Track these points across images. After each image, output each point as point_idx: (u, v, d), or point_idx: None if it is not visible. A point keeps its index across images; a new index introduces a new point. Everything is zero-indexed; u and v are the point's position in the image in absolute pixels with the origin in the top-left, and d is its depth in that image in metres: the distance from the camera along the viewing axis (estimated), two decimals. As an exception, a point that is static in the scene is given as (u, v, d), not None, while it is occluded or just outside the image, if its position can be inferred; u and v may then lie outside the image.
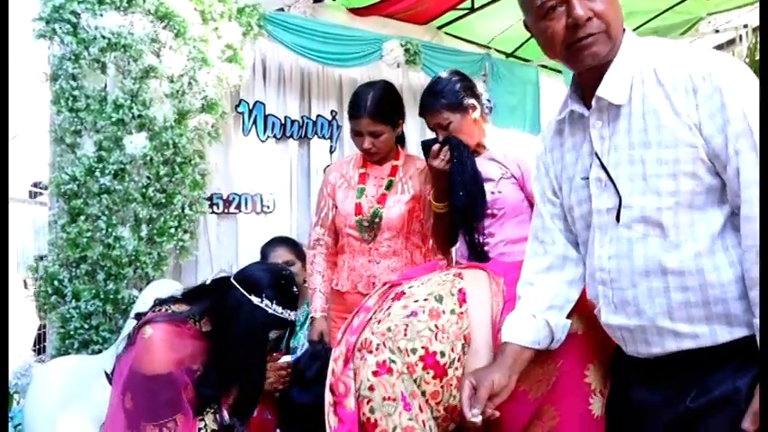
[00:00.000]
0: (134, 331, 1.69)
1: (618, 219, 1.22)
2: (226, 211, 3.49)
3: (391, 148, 2.27)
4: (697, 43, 4.73)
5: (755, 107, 1.11)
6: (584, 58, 1.20)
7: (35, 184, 4.40)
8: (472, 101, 2.05)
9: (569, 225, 1.40)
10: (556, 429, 1.40)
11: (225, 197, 3.48)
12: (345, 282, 2.26)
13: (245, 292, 1.72)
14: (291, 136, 3.76)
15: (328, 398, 1.41)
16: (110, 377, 1.74)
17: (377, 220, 2.21)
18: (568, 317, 1.42)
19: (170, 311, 1.71)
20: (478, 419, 1.27)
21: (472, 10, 4.16)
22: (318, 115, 3.87)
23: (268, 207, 3.63)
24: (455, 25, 4.37)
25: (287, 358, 1.91)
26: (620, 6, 1.20)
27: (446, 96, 2.03)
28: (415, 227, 2.25)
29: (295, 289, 1.81)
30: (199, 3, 3.04)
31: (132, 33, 2.82)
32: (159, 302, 1.77)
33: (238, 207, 3.53)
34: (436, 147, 2.02)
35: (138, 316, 1.77)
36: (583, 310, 1.43)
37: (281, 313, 1.74)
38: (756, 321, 1.11)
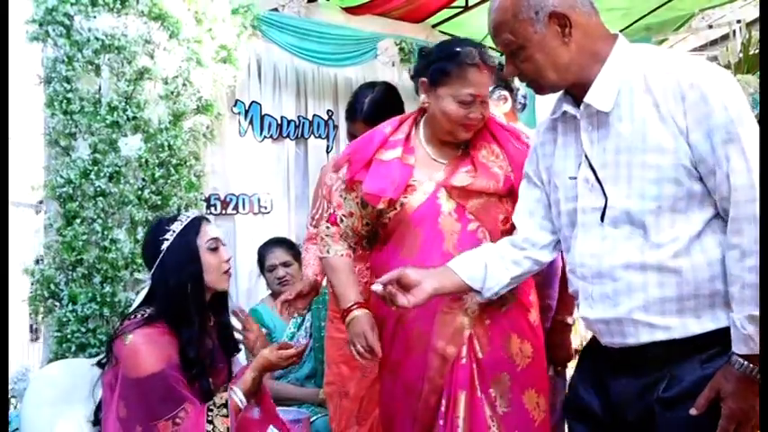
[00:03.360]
0: (110, 346, 1.70)
1: (602, 218, 1.29)
2: (223, 212, 3.47)
3: None
4: (690, 39, 4.74)
5: (742, 114, 1.17)
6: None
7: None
8: (505, 92, 2.00)
9: (549, 214, 1.48)
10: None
11: (222, 198, 3.47)
12: None
13: (157, 262, 1.77)
14: (288, 136, 3.75)
15: None
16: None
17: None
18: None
19: (143, 315, 1.73)
20: (377, 288, 1.44)
21: (466, 8, 4.16)
22: (315, 115, 3.86)
23: (265, 207, 3.62)
24: (449, 23, 4.37)
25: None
26: (552, 50, 1.28)
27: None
28: None
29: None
30: (192, 3, 3.03)
31: (126, 35, 2.81)
32: (124, 317, 1.81)
33: (236, 208, 3.52)
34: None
35: (123, 320, 1.79)
36: None
37: (182, 223, 1.80)
38: (734, 316, 1.18)
